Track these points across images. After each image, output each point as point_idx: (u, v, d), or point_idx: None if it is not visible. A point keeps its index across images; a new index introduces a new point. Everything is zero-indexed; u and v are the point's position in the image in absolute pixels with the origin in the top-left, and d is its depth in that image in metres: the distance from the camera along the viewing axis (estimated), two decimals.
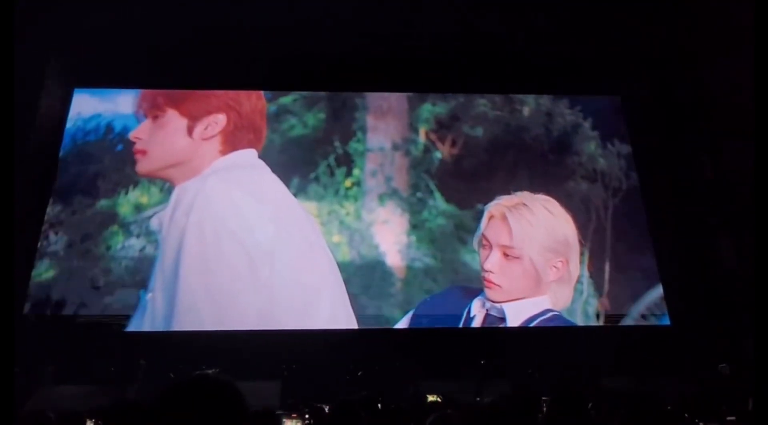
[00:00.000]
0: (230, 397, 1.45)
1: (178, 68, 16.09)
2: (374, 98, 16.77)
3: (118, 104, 16.04)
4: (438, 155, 16.10)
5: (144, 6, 15.40)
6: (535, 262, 14.88)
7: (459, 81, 16.70)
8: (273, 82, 16.40)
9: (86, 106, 16.00)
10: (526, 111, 16.84)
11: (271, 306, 13.93)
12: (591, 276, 14.90)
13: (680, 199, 15.71)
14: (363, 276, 14.60)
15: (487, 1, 15.80)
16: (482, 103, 16.85)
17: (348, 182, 15.62)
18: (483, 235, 15.13)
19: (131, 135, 15.60)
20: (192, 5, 15.53)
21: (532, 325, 14.24)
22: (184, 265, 14.29)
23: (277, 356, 12.76)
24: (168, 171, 15.27)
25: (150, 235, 14.60)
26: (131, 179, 15.14)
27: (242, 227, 14.70)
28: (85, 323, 13.56)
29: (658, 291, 14.94)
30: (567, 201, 15.47)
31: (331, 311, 14.13)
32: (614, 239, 15.27)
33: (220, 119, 15.82)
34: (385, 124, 16.40)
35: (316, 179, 15.50)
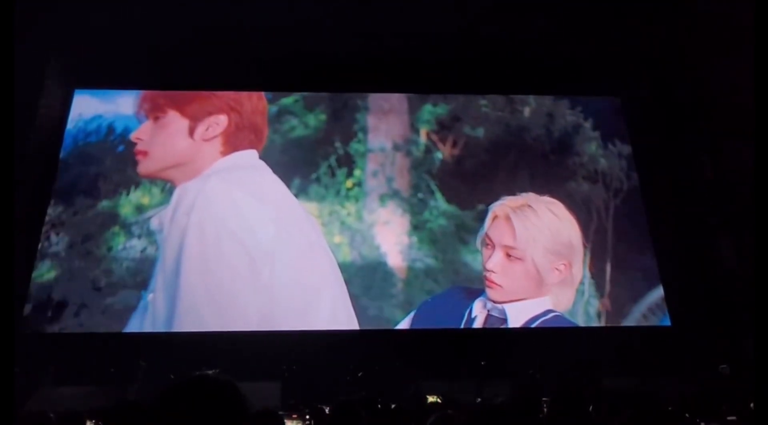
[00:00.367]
0: (230, 397, 1.44)
1: (178, 69, 16.09)
2: (375, 99, 16.78)
3: (119, 105, 16.04)
4: (439, 155, 16.10)
5: (144, 6, 15.41)
6: (537, 264, 14.87)
7: (460, 82, 16.69)
8: (274, 83, 16.42)
9: (87, 107, 16.01)
10: (526, 112, 16.84)
11: (272, 307, 13.93)
12: (592, 277, 14.89)
13: (680, 199, 15.70)
14: (364, 277, 14.59)
15: (487, 2, 15.80)
16: (483, 104, 16.85)
17: (349, 183, 15.62)
18: (486, 235, 15.12)
19: (132, 136, 15.61)
20: (192, 6, 15.53)
21: (533, 326, 14.25)
22: (185, 266, 14.29)
23: (278, 356, 12.76)
24: (169, 172, 15.27)
25: (151, 236, 14.60)
26: (132, 180, 15.15)
27: (243, 228, 14.70)
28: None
29: (658, 292, 14.93)
30: (568, 202, 15.47)
31: (332, 312, 14.13)
32: (615, 240, 15.26)
33: (221, 120, 15.83)
34: (386, 124, 16.40)
35: (317, 179, 15.50)
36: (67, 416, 4.24)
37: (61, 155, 15.36)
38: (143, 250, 14.52)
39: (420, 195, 15.60)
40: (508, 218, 15.28)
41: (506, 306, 14.41)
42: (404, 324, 14.15)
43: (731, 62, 15.38)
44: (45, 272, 14.10)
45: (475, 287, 14.59)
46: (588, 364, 12.98)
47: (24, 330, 13.10)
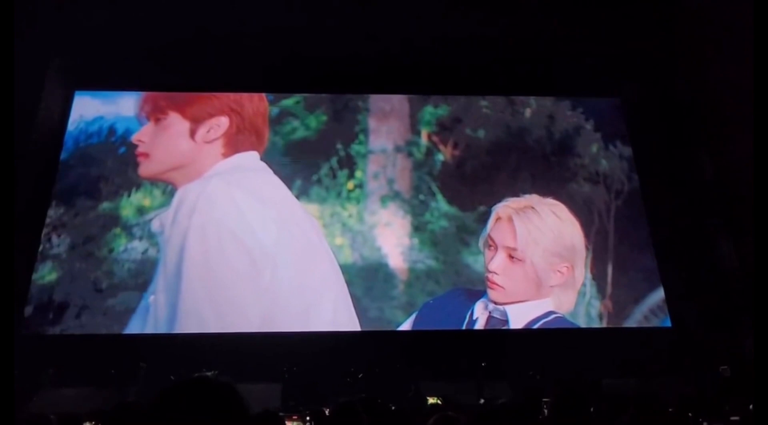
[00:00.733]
0: (230, 399, 1.44)
1: (180, 70, 16.10)
2: (376, 100, 16.77)
3: (120, 107, 16.04)
4: (440, 157, 16.09)
5: (145, 7, 15.43)
6: (539, 265, 14.87)
7: (461, 83, 16.68)
8: (275, 84, 16.42)
9: (87, 108, 16.01)
10: (528, 113, 16.83)
11: (273, 308, 13.92)
12: (593, 279, 14.89)
13: (681, 200, 15.69)
14: (365, 279, 14.58)
15: (488, 4, 15.81)
16: (484, 106, 16.84)
17: (350, 185, 15.61)
18: (489, 236, 15.11)
19: (133, 138, 15.61)
20: (193, 7, 15.56)
21: (534, 327, 14.25)
22: (186, 267, 14.28)
23: (279, 358, 12.76)
24: (170, 174, 15.27)
25: (152, 238, 14.60)
26: (133, 182, 15.14)
27: (244, 230, 14.69)
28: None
29: (659, 293, 14.93)
30: (570, 203, 15.48)
31: (333, 313, 14.12)
32: (616, 242, 15.26)
33: (222, 122, 15.83)
34: (387, 126, 16.40)
35: (318, 181, 15.50)
36: (68, 418, 4.23)
37: (62, 156, 15.37)
38: (144, 252, 14.52)
39: (421, 197, 15.59)
40: (510, 220, 15.28)
41: (508, 308, 14.40)
42: (405, 326, 14.14)
43: (731, 62, 15.39)
44: (46, 274, 14.11)
45: (476, 288, 14.59)
46: (589, 365, 12.99)
47: (24, 331, 13.10)
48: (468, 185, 15.72)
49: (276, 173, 15.36)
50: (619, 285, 14.84)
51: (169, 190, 15.10)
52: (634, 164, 16.33)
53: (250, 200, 15.14)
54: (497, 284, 14.67)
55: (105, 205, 14.92)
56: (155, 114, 15.99)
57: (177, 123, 15.83)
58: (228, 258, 14.42)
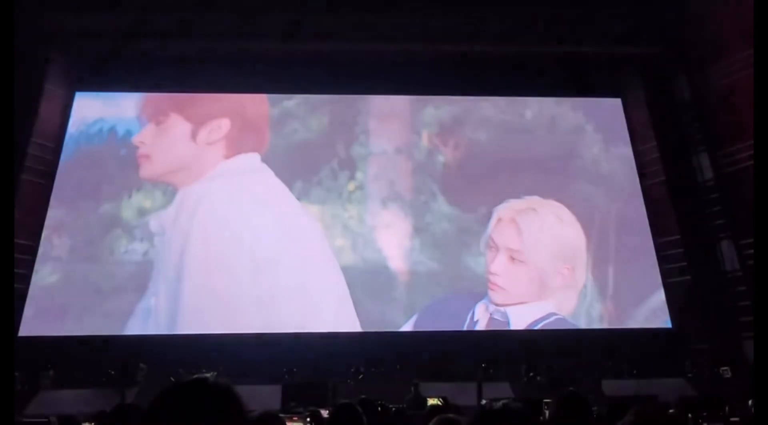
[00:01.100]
0: (229, 400, 1.43)
1: (181, 72, 16.11)
2: (377, 102, 16.75)
3: (121, 108, 16.02)
4: (441, 158, 16.07)
5: (146, 8, 15.45)
6: (541, 267, 14.88)
7: (462, 84, 16.66)
8: (276, 85, 16.40)
9: (88, 109, 15.98)
10: (529, 114, 16.80)
11: (274, 310, 13.92)
12: (594, 280, 14.88)
13: (681, 202, 15.68)
14: (366, 280, 14.55)
15: (489, 5, 15.82)
16: (485, 107, 16.83)
17: (351, 186, 15.59)
18: (490, 237, 15.14)
19: (134, 139, 15.62)
20: (194, 8, 15.57)
21: (535, 328, 14.24)
22: (187, 269, 14.29)
23: (279, 359, 12.75)
24: (171, 175, 15.28)
25: (153, 239, 14.59)
26: (134, 184, 15.13)
27: (246, 231, 14.71)
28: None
29: (660, 294, 14.93)
30: (571, 205, 15.47)
31: (334, 314, 14.12)
32: (617, 243, 15.24)
33: (223, 124, 15.85)
34: (388, 127, 16.36)
35: (319, 182, 15.48)
36: (68, 419, 4.22)
37: (62, 157, 15.34)
38: (145, 253, 14.51)
39: (422, 198, 15.57)
40: (512, 221, 15.30)
41: (509, 309, 14.40)
42: (406, 327, 14.13)
43: (731, 63, 15.40)
44: (46, 276, 14.08)
45: (477, 290, 14.59)
46: (590, 366, 13.00)
47: (25, 333, 13.08)
48: (469, 186, 15.68)
49: (277, 174, 15.37)
50: (619, 286, 14.82)
51: (170, 191, 15.11)
52: (635, 165, 16.33)
53: (251, 202, 15.15)
54: (499, 286, 14.68)
55: (106, 206, 14.90)
56: (156, 116, 16.01)
57: (178, 125, 15.85)
58: (229, 259, 14.43)
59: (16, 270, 12.88)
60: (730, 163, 15.24)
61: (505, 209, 15.35)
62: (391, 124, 16.36)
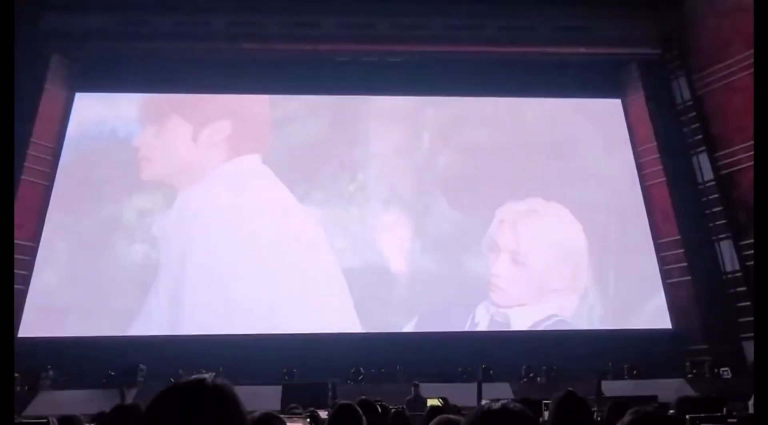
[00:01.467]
0: (227, 401, 1.42)
1: (181, 73, 16.11)
2: (378, 103, 16.72)
3: (122, 109, 16.00)
4: (442, 159, 16.04)
5: (146, 9, 15.45)
6: (542, 269, 14.88)
7: (463, 85, 16.64)
8: (277, 86, 16.40)
9: (88, 109, 15.96)
10: (530, 115, 16.78)
11: (275, 311, 13.91)
12: (595, 281, 14.88)
13: (681, 202, 15.69)
14: (367, 281, 14.52)
15: (491, 7, 15.86)
16: (486, 108, 16.82)
17: (352, 188, 15.58)
18: (492, 239, 15.14)
19: (135, 141, 15.61)
20: (194, 9, 15.57)
21: (536, 330, 14.23)
22: (188, 270, 14.27)
23: (279, 360, 12.71)
24: (172, 177, 15.27)
25: (154, 241, 14.58)
26: (135, 185, 15.11)
27: (246, 233, 14.70)
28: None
29: (660, 295, 14.93)
30: (572, 206, 15.48)
31: (334, 315, 14.11)
32: (618, 244, 15.24)
33: (224, 126, 15.85)
34: (389, 129, 16.33)
35: (320, 184, 15.46)
36: (67, 420, 4.21)
37: (63, 158, 15.31)
38: (145, 255, 14.49)
39: (423, 200, 15.55)
40: (514, 223, 15.32)
41: (509, 310, 14.41)
42: (407, 328, 14.12)
43: (730, 64, 15.42)
44: (46, 277, 14.05)
45: (478, 291, 14.59)
46: (590, 367, 12.98)
47: (25, 334, 13.07)
48: (470, 188, 15.66)
49: (278, 176, 15.37)
50: (620, 287, 14.82)
51: (171, 193, 15.10)
52: (635, 166, 16.34)
53: (252, 204, 15.14)
54: (499, 288, 14.69)
55: (106, 208, 14.88)
56: (157, 117, 15.99)
57: (179, 126, 15.83)
58: (229, 261, 14.42)
59: (16, 271, 12.87)
60: (730, 164, 15.26)
61: (506, 211, 15.37)
62: (393, 125, 16.35)
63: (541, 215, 15.34)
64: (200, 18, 15.59)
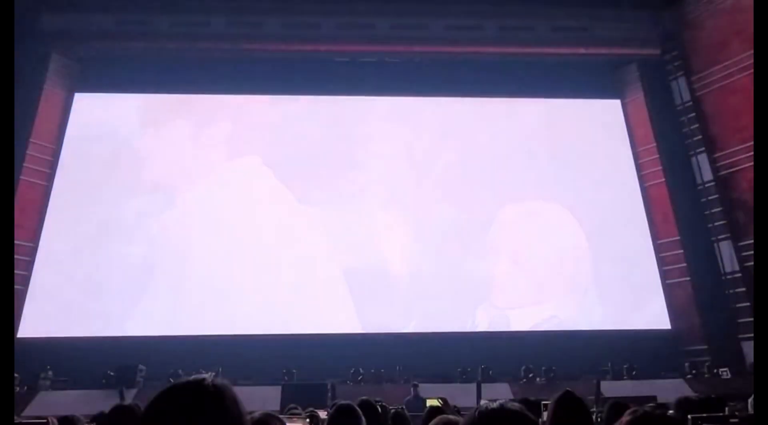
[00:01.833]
0: (227, 401, 1.42)
1: (181, 73, 16.11)
2: (378, 103, 16.71)
3: (121, 109, 15.99)
4: (443, 160, 16.02)
5: (145, 9, 15.45)
6: (542, 269, 14.89)
7: (463, 85, 16.66)
8: (277, 87, 16.40)
9: (87, 109, 15.95)
10: (529, 116, 16.77)
11: (274, 311, 13.91)
12: (595, 281, 14.88)
13: (680, 203, 15.70)
14: (367, 282, 14.51)
15: (489, 7, 15.87)
16: (487, 108, 16.81)
17: (352, 188, 15.55)
18: (492, 239, 15.15)
19: (134, 142, 15.58)
20: (194, 9, 15.58)
21: (536, 330, 14.23)
22: (187, 270, 14.27)
23: (279, 360, 12.71)
24: (171, 178, 15.26)
25: (153, 241, 14.56)
26: (134, 186, 15.10)
27: (246, 233, 14.71)
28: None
29: (659, 295, 14.94)
30: (571, 206, 15.48)
31: (335, 316, 14.10)
32: (617, 245, 15.24)
33: (224, 126, 15.85)
34: (389, 129, 16.31)
35: (320, 185, 15.44)
36: (67, 420, 4.20)
37: (62, 158, 15.30)
38: (145, 255, 14.47)
39: (423, 200, 15.53)
40: (514, 224, 15.33)
41: (509, 311, 14.41)
42: (406, 328, 14.11)
43: (729, 65, 15.44)
44: (45, 277, 14.04)
45: (478, 292, 14.59)
46: (590, 367, 12.99)
47: (24, 334, 13.06)
48: (470, 188, 15.66)
49: (278, 176, 15.36)
50: (619, 288, 14.82)
51: (170, 193, 15.08)
52: (635, 166, 16.36)
53: (252, 204, 15.14)
54: (499, 288, 14.71)
55: (105, 208, 14.85)
56: (156, 117, 15.97)
57: (178, 127, 15.83)
58: (229, 261, 14.42)
59: (15, 271, 12.87)
60: (729, 165, 15.28)
61: (506, 212, 15.38)
62: (392, 126, 16.32)
63: (541, 216, 15.35)
64: (200, 18, 15.62)
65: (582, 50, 16.62)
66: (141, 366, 12.09)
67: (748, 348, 13.50)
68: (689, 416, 3.49)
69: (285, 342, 13.39)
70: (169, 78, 16.09)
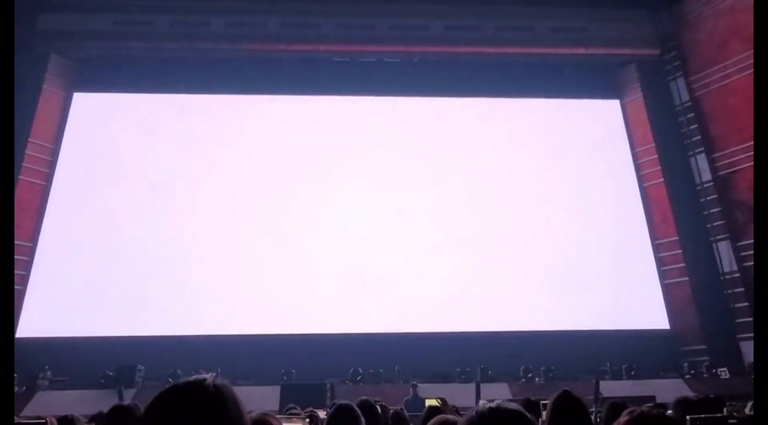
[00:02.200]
0: (226, 401, 1.42)
1: (179, 73, 16.11)
2: (378, 103, 16.69)
3: (120, 108, 15.97)
4: (441, 160, 16.02)
5: (145, 10, 15.45)
6: (541, 269, 14.84)
7: (462, 86, 16.66)
8: (277, 87, 16.40)
9: (86, 109, 15.94)
10: (529, 116, 16.76)
11: (273, 311, 13.90)
12: (594, 281, 14.86)
13: (679, 203, 15.72)
14: (367, 282, 14.48)
15: (488, 8, 15.88)
16: (487, 109, 16.80)
17: (352, 188, 15.53)
18: (492, 240, 15.20)
19: (133, 141, 15.56)
20: (193, 9, 15.57)
21: (535, 330, 14.22)
22: (187, 270, 14.24)
23: (278, 360, 12.71)
24: (171, 177, 15.23)
25: (152, 241, 14.54)
26: (133, 185, 15.08)
27: (246, 233, 14.69)
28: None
29: (658, 295, 14.95)
30: (569, 206, 15.49)
31: (334, 316, 14.05)
32: (616, 244, 15.24)
33: (223, 126, 15.85)
34: (388, 129, 16.26)
35: (320, 184, 15.43)
36: (65, 420, 4.19)
37: (60, 158, 15.29)
38: (143, 255, 14.45)
39: (423, 201, 15.54)
40: (513, 224, 15.36)
41: (509, 311, 14.36)
42: (406, 328, 14.07)
43: (728, 65, 15.46)
44: (44, 277, 14.02)
45: (478, 292, 14.55)
46: (588, 367, 13.00)
47: (22, 334, 13.05)
48: (471, 188, 15.70)
49: (278, 176, 15.35)
50: (618, 288, 14.81)
51: (169, 193, 15.06)
52: (633, 166, 16.38)
53: (251, 204, 15.10)
54: (498, 288, 14.71)
55: (104, 208, 14.83)
56: (155, 117, 15.93)
57: (178, 126, 15.79)
58: (228, 261, 14.40)
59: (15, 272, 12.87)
60: (728, 165, 15.30)
61: (505, 212, 15.40)
62: (392, 126, 16.31)
63: (540, 216, 15.35)
64: (200, 18, 15.62)
65: (581, 51, 16.64)
66: (140, 366, 12.09)
67: (747, 348, 13.51)
68: (687, 417, 3.48)
69: (284, 342, 13.39)
70: (169, 78, 16.08)
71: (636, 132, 16.74)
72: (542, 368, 12.89)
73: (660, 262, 15.28)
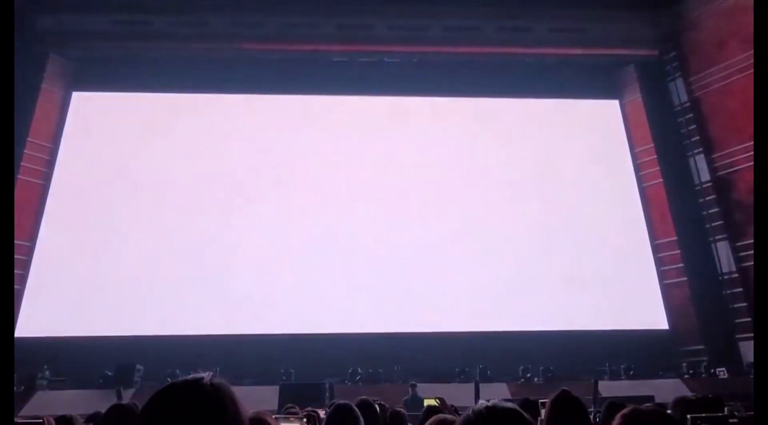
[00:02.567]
0: (225, 401, 1.41)
1: (179, 72, 16.11)
2: (377, 103, 16.67)
3: (118, 108, 15.96)
4: (441, 160, 16.01)
5: (145, 9, 15.45)
6: (541, 270, 14.85)
7: (461, 86, 16.67)
8: (277, 87, 16.40)
9: (85, 109, 15.94)
10: (528, 116, 16.76)
11: (273, 311, 13.89)
12: (593, 282, 14.85)
13: (678, 203, 15.73)
14: (367, 282, 14.48)
15: (487, 8, 15.88)
16: (486, 109, 16.80)
17: (351, 188, 15.53)
18: (490, 240, 15.19)
19: (132, 141, 15.54)
20: (193, 9, 15.57)
21: (534, 330, 14.22)
22: (186, 270, 14.23)
23: (277, 360, 12.72)
24: (170, 176, 15.20)
25: (150, 240, 14.54)
26: (132, 185, 15.06)
27: (246, 233, 14.70)
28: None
29: (658, 295, 14.95)
30: (569, 206, 15.49)
31: (333, 316, 14.05)
32: (615, 245, 15.24)
33: (222, 126, 15.84)
34: (388, 129, 16.26)
35: (320, 185, 15.43)
36: (64, 419, 4.18)
37: (59, 157, 15.29)
38: (142, 255, 14.43)
39: (423, 201, 15.54)
40: (512, 224, 15.35)
41: (507, 311, 14.36)
42: (405, 328, 14.06)
43: (727, 66, 15.46)
44: (43, 277, 14.02)
45: (478, 292, 14.55)
46: (587, 367, 13.00)
47: (21, 334, 13.04)
48: (469, 188, 15.71)
49: (279, 176, 15.35)
50: (617, 288, 14.79)
51: (169, 193, 15.04)
52: (632, 167, 16.39)
53: (251, 204, 15.10)
54: (498, 288, 14.69)
55: (102, 208, 14.82)
56: (155, 117, 15.92)
57: (177, 126, 15.78)
58: (228, 261, 14.40)
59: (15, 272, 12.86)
60: (727, 165, 15.30)
61: (504, 212, 15.39)
62: (391, 126, 16.29)
63: (539, 216, 15.35)
64: (200, 18, 15.60)
65: (580, 51, 16.66)
66: (138, 366, 12.08)
67: (746, 348, 13.52)
68: (688, 416, 3.48)
69: (283, 341, 13.39)
70: (168, 78, 16.09)
71: (635, 132, 16.75)
72: (541, 368, 12.90)
73: (659, 262, 15.30)
